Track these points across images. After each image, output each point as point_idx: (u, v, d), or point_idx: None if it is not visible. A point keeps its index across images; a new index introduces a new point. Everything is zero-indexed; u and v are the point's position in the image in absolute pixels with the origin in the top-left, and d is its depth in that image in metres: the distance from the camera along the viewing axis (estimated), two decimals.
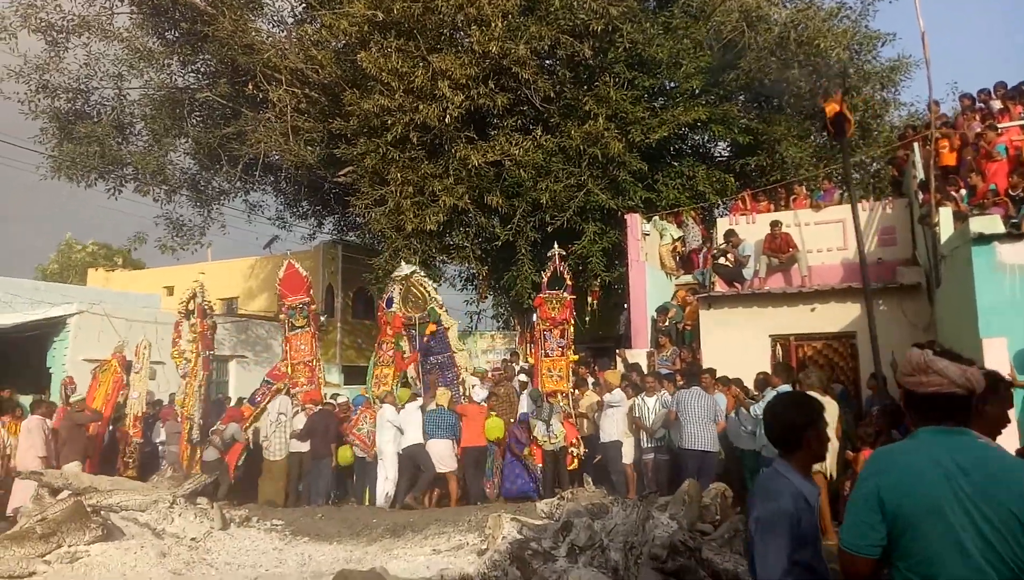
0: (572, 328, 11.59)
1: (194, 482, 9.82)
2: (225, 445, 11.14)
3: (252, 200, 21.56)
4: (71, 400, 11.72)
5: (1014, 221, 8.63)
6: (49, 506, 7.87)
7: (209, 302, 12.80)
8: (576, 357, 11.73)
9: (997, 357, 7.74)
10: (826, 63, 15.15)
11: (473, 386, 12.00)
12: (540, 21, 14.18)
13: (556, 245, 12.12)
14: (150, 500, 8.50)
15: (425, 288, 12.40)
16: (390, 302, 12.49)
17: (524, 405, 11.02)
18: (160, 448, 12.75)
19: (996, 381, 3.06)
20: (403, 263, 12.97)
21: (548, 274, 11.84)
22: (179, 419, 11.72)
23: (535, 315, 12.06)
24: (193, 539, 7.98)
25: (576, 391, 11.28)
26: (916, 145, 11.79)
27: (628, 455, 10.06)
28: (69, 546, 7.31)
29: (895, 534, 2.17)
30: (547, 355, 11.26)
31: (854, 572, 2.25)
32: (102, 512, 7.97)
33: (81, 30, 17.19)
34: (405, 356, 12.04)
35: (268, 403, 11.60)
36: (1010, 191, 9.68)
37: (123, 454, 12.09)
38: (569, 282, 11.79)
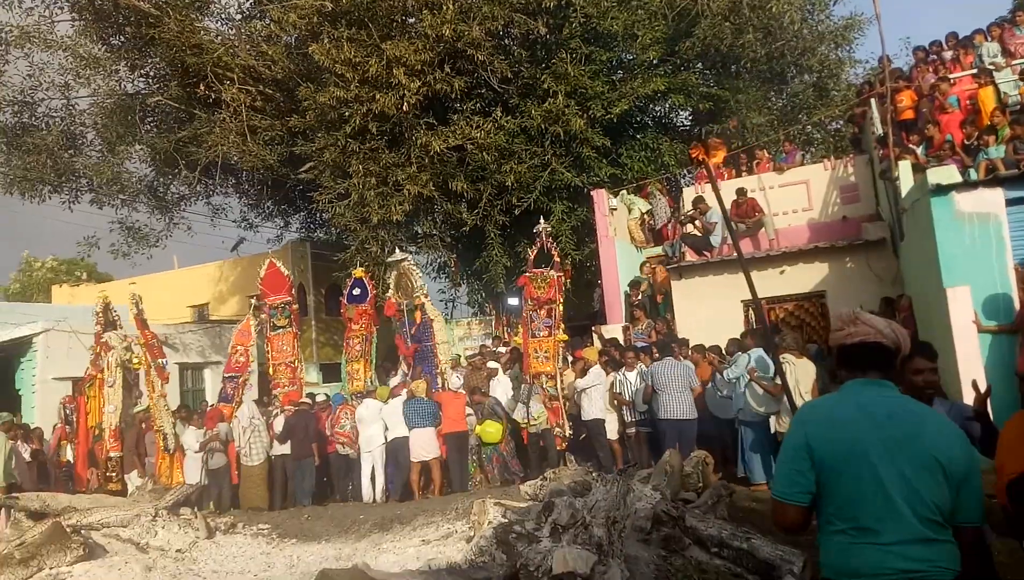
0: (560, 306, 11.13)
1: (176, 493, 9.74)
2: (223, 445, 11.05)
3: (215, 203, 21.26)
4: (135, 411, 11.62)
5: (970, 169, 8.77)
6: (27, 529, 7.72)
7: (117, 315, 12.74)
8: (565, 336, 11.29)
9: (962, 305, 7.87)
10: (780, 26, 15.19)
11: (452, 373, 11.91)
12: (492, 1, 14.00)
13: (543, 220, 11.76)
14: (132, 515, 8.40)
15: (413, 277, 12.16)
16: (351, 297, 12.37)
17: (498, 390, 11.00)
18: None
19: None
20: (397, 250, 12.76)
21: (534, 251, 11.38)
22: (153, 431, 11.58)
23: (521, 295, 11.81)
24: (179, 550, 7.89)
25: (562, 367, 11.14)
26: (873, 101, 11.89)
27: (612, 431, 10.11)
28: (51, 569, 7.17)
29: (822, 479, 2.25)
30: (534, 336, 10.87)
31: (785, 520, 2.33)
32: (83, 531, 7.84)
33: (22, 41, 16.68)
34: (408, 343, 11.88)
35: (237, 410, 11.44)
36: (965, 141, 9.82)
37: (105, 468, 11.91)
38: (557, 258, 11.26)
